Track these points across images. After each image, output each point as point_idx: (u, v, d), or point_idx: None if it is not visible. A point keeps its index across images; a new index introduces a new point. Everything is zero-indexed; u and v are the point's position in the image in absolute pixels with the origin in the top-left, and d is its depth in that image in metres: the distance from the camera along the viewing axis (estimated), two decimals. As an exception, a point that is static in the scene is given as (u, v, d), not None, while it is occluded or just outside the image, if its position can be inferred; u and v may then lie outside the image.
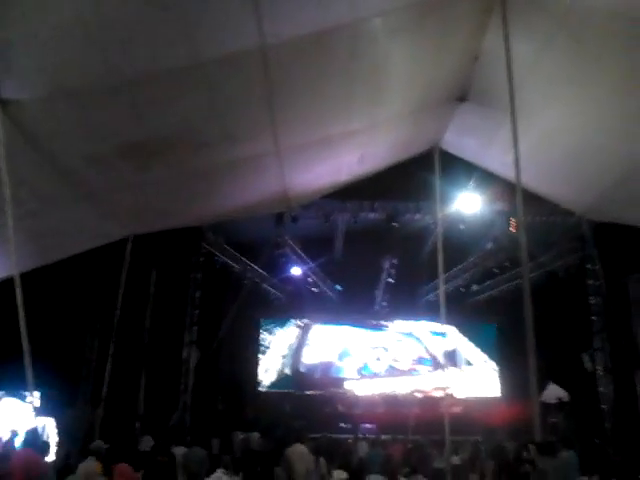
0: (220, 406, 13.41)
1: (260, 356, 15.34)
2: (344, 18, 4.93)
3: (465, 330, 15.82)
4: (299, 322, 15.66)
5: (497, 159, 8.43)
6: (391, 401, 14.98)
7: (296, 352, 15.57)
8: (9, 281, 5.12)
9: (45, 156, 5.68)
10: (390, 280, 14.62)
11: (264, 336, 15.51)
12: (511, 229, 11.36)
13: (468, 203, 11.02)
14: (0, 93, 4.73)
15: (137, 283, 10.55)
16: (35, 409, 6.79)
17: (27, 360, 4.95)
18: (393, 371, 15.59)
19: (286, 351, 15.57)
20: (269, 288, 14.72)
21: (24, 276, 5.16)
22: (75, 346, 11.23)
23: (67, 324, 10.72)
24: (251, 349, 15.15)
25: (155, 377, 12.14)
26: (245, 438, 11.05)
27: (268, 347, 15.49)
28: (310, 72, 5.53)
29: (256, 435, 11.02)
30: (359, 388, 15.32)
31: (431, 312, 13.77)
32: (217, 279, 13.26)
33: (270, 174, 7.35)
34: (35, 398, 6.68)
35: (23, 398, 10.39)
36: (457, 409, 13.27)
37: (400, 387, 15.29)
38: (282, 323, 15.64)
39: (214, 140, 6.11)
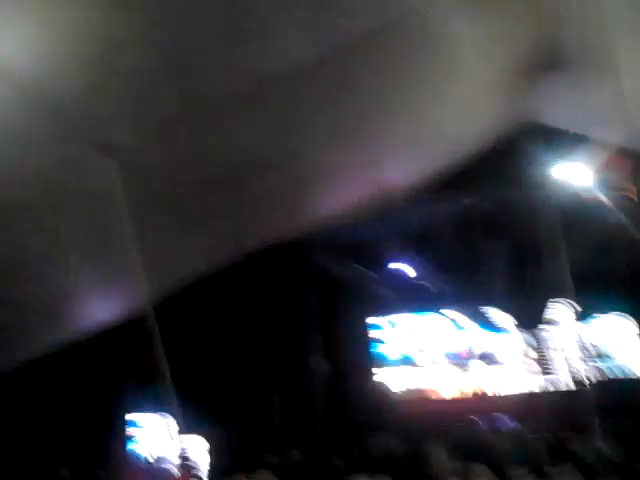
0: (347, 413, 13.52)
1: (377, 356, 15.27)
2: (403, 6, 4.89)
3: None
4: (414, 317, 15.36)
5: (601, 125, 7.97)
6: (525, 392, 14.32)
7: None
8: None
9: (152, 192, 6.10)
10: (505, 267, 14.11)
11: (379, 335, 15.37)
12: (629, 198, 10.62)
13: (577, 177, 10.39)
14: (110, 139, 5.17)
15: (256, 299, 10.97)
16: (182, 427, 7.27)
17: (170, 384, 5.32)
18: (523, 361, 14.91)
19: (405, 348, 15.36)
20: (378, 287, 14.69)
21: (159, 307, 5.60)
22: (214, 365, 11.77)
23: (203, 345, 11.29)
24: (367, 349, 15.12)
25: (286, 389, 12.51)
26: (381, 441, 11.06)
27: (384, 345, 15.31)
28: (383, 69, 5.51)
29: (391, 437, 11.00)
30: (489, 380, 14.81)
31: (554, 295, 13.13)
32: (327, 285, 13.46)
33: (363, 176, 7.42)
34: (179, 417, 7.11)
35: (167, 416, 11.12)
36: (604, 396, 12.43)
37: (534, 379, 14.60)
38: (395, 319, 15.43)
39: (302, 153, 6.27)
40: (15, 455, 9.09)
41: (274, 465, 6.83)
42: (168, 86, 4.84)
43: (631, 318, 13.23)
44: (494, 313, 15.09)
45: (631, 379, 13.30)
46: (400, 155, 7.54)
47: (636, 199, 10.48)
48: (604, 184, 10.84)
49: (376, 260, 13.67)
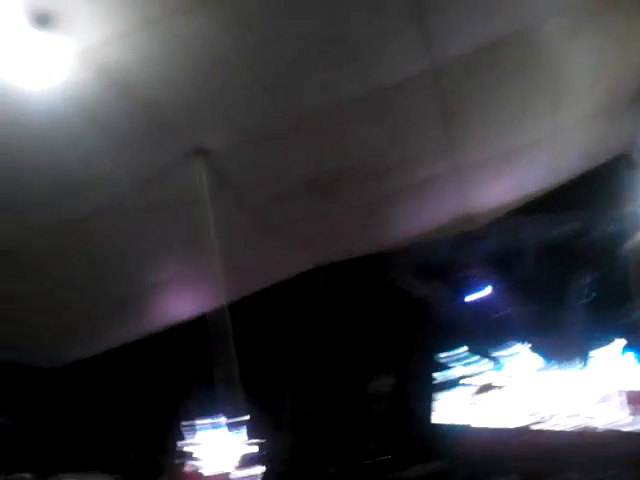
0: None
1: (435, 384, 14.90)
2: (512, 25, 4.78)
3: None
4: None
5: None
6: (594, 438, 13.70)
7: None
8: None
9: (239, 197, 6.28)
10: (588, 299, 13.55)
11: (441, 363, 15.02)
12: None
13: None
14: (202, 144, 5.32)
15: (329, 310, 10.96)
16: (247, 433, 7.34)
17: (237, 387, 5.36)
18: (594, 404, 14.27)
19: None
20: (455, 312, 14.37)
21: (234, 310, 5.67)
22: (279, 374, 11.82)
23: (270, 352, 11.36)
24: (428, 376, 14.79)
25: (347, 404, 12.43)
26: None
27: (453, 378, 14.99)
28: (483, 85, 5.41)
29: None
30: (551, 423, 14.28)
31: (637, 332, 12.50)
32: (403, 304, 13.27)
33: (451, 193, 7.29)
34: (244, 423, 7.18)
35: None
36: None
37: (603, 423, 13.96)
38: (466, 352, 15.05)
39: (393, 165, 6.23)
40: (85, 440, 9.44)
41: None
42: (263, 100, 4.96)
43: None
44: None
45: None
46: (491, 177, 7.37)
47: None
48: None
49: (458, 285, 13.34)
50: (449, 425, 14.26)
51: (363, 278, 11.60)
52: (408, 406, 13.68)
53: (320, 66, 4.73)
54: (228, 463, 11.50)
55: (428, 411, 14.32)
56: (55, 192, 5.47)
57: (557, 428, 13.72)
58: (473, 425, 14.22)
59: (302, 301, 10.21)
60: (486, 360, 14.76)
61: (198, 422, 11.88)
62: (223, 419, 11.71)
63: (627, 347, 13.81)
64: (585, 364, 14.29)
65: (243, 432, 8.52)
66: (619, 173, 8.75)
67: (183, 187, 5.58)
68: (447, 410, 14.54)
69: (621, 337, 13.73)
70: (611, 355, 14.06)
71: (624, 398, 13.57)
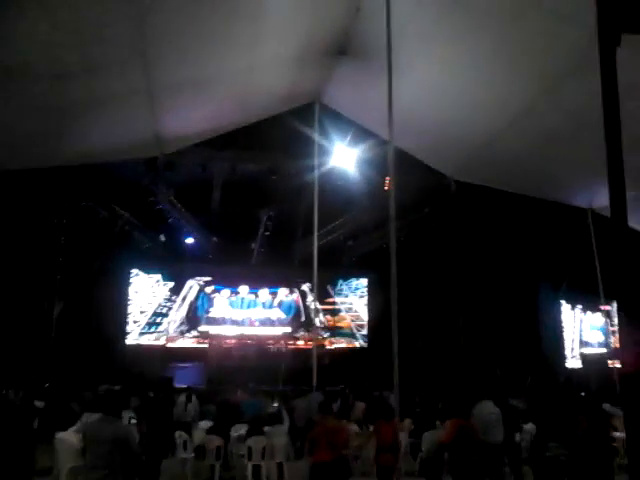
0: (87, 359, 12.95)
1: (129, 308, 14.85)
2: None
3: (338, 283, 16.46)
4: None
5: (374, 117, 8.49)
6: (263, 353, 15.37)
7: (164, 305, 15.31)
8: None
9: None
10: (267, 233, 14.62)
11: (134, 286, 14.95)
12: (385, 187, 11.60)
13: (346, 160, 11.13)
14: None
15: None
16: None
17: None
18: (262, 323, 15.88)
19: (156, 303, 15.21)
20: (141, 237, 14.15)
21: None
22: None
23: None
24: (120, 300, 14.63)
25: (15, 330, 11.52)
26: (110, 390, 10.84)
27: (137, 298, 14.97)
28: (186, 9, 5.22)
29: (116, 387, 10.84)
30: (228, 340, 15.52)
31: (306, 265, 14.05)
32: (84, 225, 12.55)
33: (140, 114, 6.91)
34: None
35: None
36: (326, 360, 13.87)
37: (270, 340, 15.71)
38: (150, 272, 15.15)
39: (75, 71, 5.53)
40: None
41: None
42: None
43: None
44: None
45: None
46: (184, 104, 7.22)
47: (388, 188, 11.53)
48: (369, 169, 11.73)
49: (146, 209, 12.97)
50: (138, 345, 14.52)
51: (41, 192, 10.62)
52: (86, 328, 13.28)
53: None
54: None
55: (114, 332, 14.20)
56: None
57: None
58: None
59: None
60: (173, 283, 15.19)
61: None
62: None
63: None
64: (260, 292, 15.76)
65: None
66: (306, 120, 9.47)
67: None
68: (132, 329, 14.70)
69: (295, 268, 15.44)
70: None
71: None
